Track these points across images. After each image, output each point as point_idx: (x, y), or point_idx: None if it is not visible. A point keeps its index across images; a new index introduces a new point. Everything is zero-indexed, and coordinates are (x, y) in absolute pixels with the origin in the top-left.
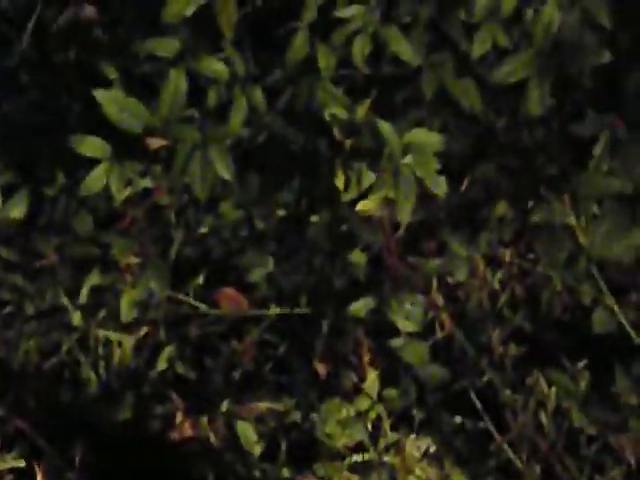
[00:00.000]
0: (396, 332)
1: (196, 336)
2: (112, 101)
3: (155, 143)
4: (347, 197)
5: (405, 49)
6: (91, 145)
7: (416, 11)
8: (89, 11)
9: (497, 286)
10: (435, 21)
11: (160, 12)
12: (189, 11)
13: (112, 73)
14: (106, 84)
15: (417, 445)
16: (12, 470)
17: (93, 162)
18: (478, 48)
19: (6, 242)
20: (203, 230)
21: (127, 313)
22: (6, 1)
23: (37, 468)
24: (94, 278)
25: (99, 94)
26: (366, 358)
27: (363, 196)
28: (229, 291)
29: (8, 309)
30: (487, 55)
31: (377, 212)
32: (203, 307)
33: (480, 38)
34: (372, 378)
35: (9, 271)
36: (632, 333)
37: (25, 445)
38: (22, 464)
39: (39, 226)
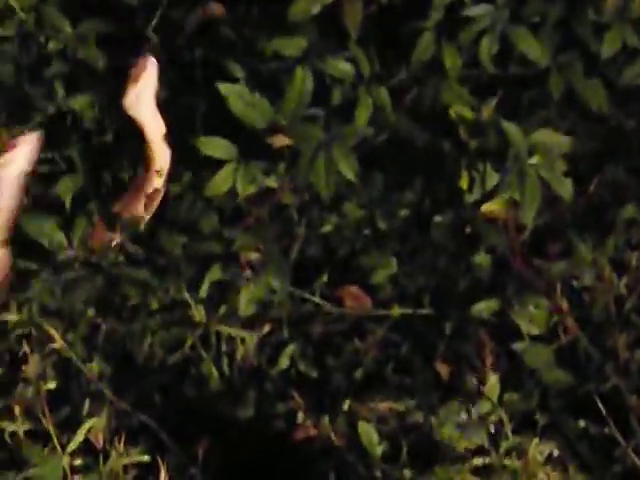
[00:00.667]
0: (519, 335)
1: (319, 334)
2: (237, 96)
3: (280, 141)
4: (471, 198)
5: (533, 49)
6: (217, 146)
7: (545, 11)
8: (216, 9)
9: (623, 290)
10: (564, 21)
11: (286, 11)
12: (315, 10)
13: (238, 71)
14: (232, 82)
15: (540, 449)
16: (136, 465)
17: (219, 160)
18: (607, 48)
19: (133, 238)
20: (326, 229)
21: (246, 308)
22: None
23: (161, 463)
24: (215, 273)
25: (225, 88)
26: (488, 361)
27: (487, 197)
28: (353, 290)
29: (133, 303)
30: (616, 56)
31: (502, 214)
32: (327, 305)
33: (610, 38)
34: (493, 381)
35: (135, 266)
36: None
37: (149, 440)
38: (146, 459)
39: (165, 223)
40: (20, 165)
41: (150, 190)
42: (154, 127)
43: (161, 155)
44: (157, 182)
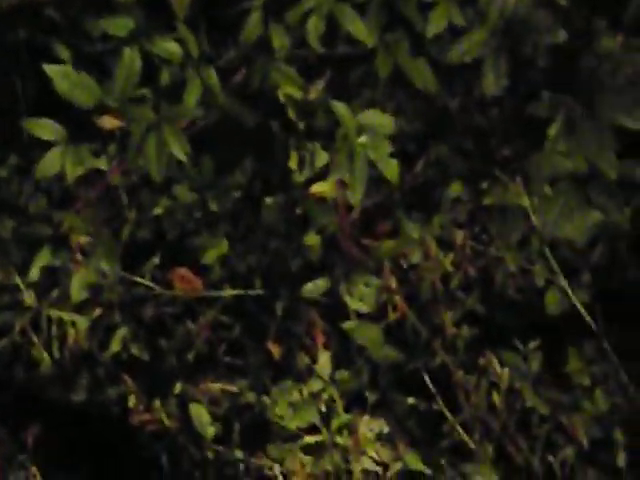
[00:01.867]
0: (349, 314)
1: (150, 317)
2: (63, 76)
3: (109, 123)
4: (301, 178)
5: (360, 29)
6: (45, 128)
7: None
8: None
9: (450, 268)
10: (390, 0)
11: None
12: None
13: (64, 52)
14: (59, 64)
15: (370, 426)
16: None
17: (47, 143)
18: (433, 27)
19: None
20: (157, 211)
21: (78, 293)
22: None
23: None
24: (45, 257)
25: (50, 69)
26: (319, 340)
27: (317, 177)
28: (183, 272)
29: None
30: (442, 34)
31: (331, 194)
32: (157, 288)
33: (435, 17)
34: (325, 360)
35: None
36: (584, 314)
37: None
38: None
39: None
40: None
41: None
42: None
43: None
44: None
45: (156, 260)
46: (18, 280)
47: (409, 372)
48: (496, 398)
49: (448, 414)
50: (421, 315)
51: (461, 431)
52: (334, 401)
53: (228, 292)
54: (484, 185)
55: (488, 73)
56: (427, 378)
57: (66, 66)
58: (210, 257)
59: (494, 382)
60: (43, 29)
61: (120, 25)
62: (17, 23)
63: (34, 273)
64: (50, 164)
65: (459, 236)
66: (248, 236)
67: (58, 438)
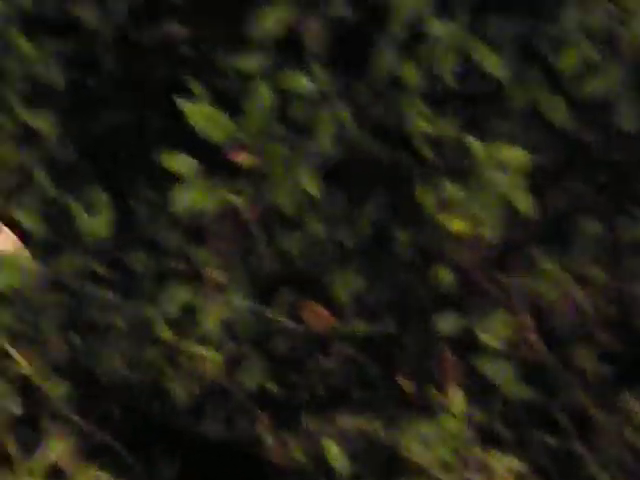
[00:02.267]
0: (483, 350)
1: (283, 352)
2: (197, 112)
3: (242, 158)
4: (434, 213)
5: (494, 63)
6: (180, 162)
7: (505, 26)
8: (177, 30)
9: (587, 305)
10: (524, 35)
11: (247, 29)
12: (276, 27)
13: (197, 88)
14: (193, 100)
15: (504, 464)
16: None
17: (182, 177)
18: (566, 63)
19: (96, 256)
20: (290, 246)
21: (213, 328)
22: (94, 16)
23: None
24: (181, 293)
25: (184, 104)
26: (452, 376)
27: (450, 212)
28: (315, 307)
29: (100, 323)
30: (576, 69)
31: (464, 229)
32: (290, 323)
33: (569, 53)
34: (457, 396)
35: (99, 284)
36: None
37: (114, 460)
38: (107, 478)
39: (128, 241)
40: None
41: None
42: None
43: None
44: None
45: (288, 295)
46: (155, 314)
47: (544, 410)
48: (634, 438)
49: (584, 453)
50: (556, 352)
51: (597, 470)
52: (466, 438)
53: (360, 327)
54: (620, 220)
55: (624, 108)
56: (562, 416)
57: (201, 102)
58: (342, 292)
59: (633, 422)
60: (178, 66)
61: (254, 61)
62: (154, 60)
63: (170, 308)
64: (185, 198)
65: (595, 272)
66: (380, 271)
67: (193, 471)
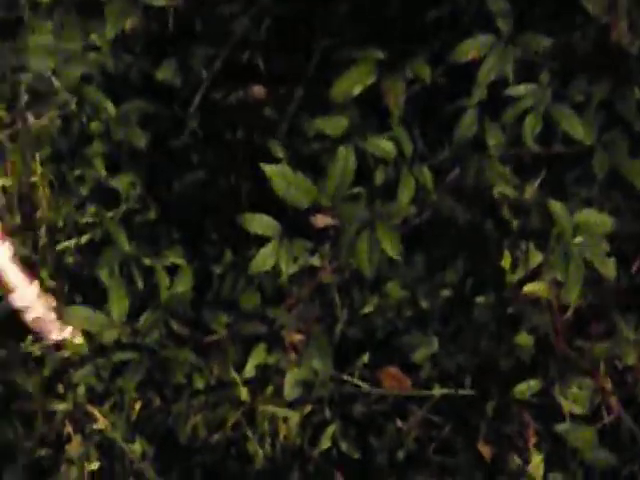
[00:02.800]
0: (562, 415)
1: (360, 415)
2: (280, 176)
3: (322, 221)
4: (514, 278)
5: (577, 128)
6: (261, 223)
7: (589, 89)
8: (258, 91)
9: None
10: (608, 99)
11: (328, 91)
12: (357, 90)
13: (280, 151)
14: (274, 162)
15: None
16: None
17: (261, 240)
18: None
19: (177, 317)
20: (367, 309)
21: (291, 391)
22: (178, 80)
23: None
24: (260, 355)
25: (268, 169)
26: (531, 441)
27: (530, 277)
28: (392, 370)
29: (178, 383)
30: None
31: (545, 293)
32: (367, 386)
33: None
34: (537, 461)
35: (180, 346)
36: None
37: None
38: None
39: (208, 302)
40: None
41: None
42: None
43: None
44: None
45: (366, 358)
46: (234, 376)
47: (625, 476)
48: None
49: None
50: (637, 418)
51: None
52: None
53: (438, 391)
54: None
55: None
56: None
57: (283, 166)
58: (420, 355)
59: None
60: (260, 128)
61: (335, 124)
62: (236, 122)
63: (249, 370)
64: (265, 260)
65: None
66: (458, 335)
67: None
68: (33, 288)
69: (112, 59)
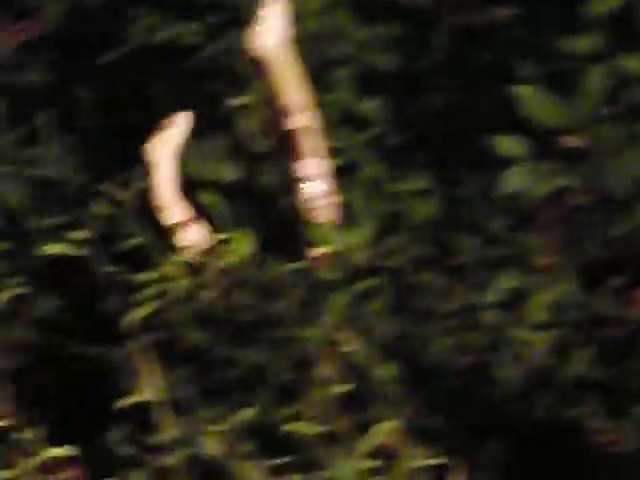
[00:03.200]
0: None
1: (612, 339)
2: (530, 97)
3: (573, 141)
4: None
5: None
6: (509, 144)
7: None
8: (505, 11)
9: None
10: None
11: (580, 9)
12: (609, 7)
13: (529, 72)
14: (524, 83)
15: None
16: (427, 468)
17: (507, 162)
18: None
19: (423, 241)
20: (619, 231)
21: (539, 313)
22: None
23: (454, 465)
24: (506, 277)
25: (517, 90)
26: None
27: None
28: None
29: (425, 307)
30: None
31: None
32: (620, 309)
33: None
34: None
35: (423, 268)
36: None
37: (439, 442)
38: (440, 460)
39: (455, 225)
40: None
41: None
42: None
43: (294, 91)
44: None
45: (619, 280)
46: (482, 299)
47: None
48: None
49: None
50: None
51: None
52: None
53: None
54: None
55: None
56: None
57: (534, 87)
58: None
59: None
60: (507, 49)
61: (587, 43)
62: (484, 43)
63: (497, 293)
64: (514, 181)
65: None
66: None
67: (517, 456)
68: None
69: None
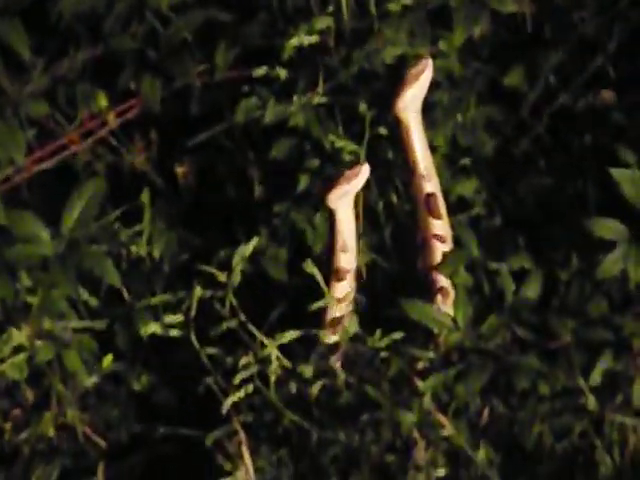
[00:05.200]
0: None
1: None
2: (630, 181)
3: None
4: None
5: None
6: (608, 227)
7: None
8: (607, 95)
9: None
10: None
11: None
12: None
13: (629, 156)
14: (623, 167)
15: None
16: None
17: (608, 245)
18: None
19: (522, 322)
20: None
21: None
22: (525, 85)
23: None
24: (607, 361)
25: (617, 173)
26: None
27: None
28: None
29: (523, 389)
30: None
31: None
32: None
33: None
34: None
35: (525, 351)
36: None
37: None
38: None
39: (554, 308)
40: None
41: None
42: (419, 131)
43: (424, 158)
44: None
45: None
46: (581, 383)
47: None
48: None
49: None
50: None
51: None
52: None
53: None
54: None
55: None
56: None
57: (633, 170)
58: None
59: None
60: (609, 133)
61: None
62: (583, 127)
63: (596, 376)
64: (613, 265)
65: None
66: None
67: None
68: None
69: (459, 65)
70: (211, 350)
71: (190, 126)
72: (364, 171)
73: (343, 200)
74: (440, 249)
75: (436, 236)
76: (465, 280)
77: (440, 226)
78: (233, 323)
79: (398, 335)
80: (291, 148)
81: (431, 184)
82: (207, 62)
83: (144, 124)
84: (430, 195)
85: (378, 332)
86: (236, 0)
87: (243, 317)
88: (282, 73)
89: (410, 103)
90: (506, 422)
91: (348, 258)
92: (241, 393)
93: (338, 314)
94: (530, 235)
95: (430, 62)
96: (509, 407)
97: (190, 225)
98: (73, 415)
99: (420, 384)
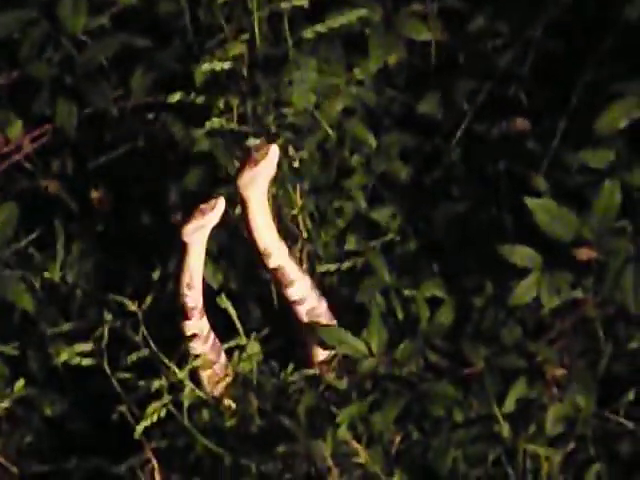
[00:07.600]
0: None
1: (626, 454)
2: (543, 209)
3: (585, 254)
4: None
5: None
6: (522, 254)
7: None
8: (521, 123)
9: None
10: None
11: (592, 124)
12: (623, 123)
13: (543, 184)
14: (537, 195)
15: None
16: None
17: (521, 272)
18: None
19: (436, 349)
20: (634, 345)
21: (553, 427)
22: (439, 113)
23: None
24: (520, 389)
25: (531, 202)
26: None
27: None
28: None
29: (436, 416)
30: None
31: None
32: (631, 425)
33: None
34: None
35: (439, 378)
36: None
37: None
38: None
39: (468, 334)
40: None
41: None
42: (260, 210)
43: (264, 237)
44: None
45: (631, 395)
46: (495, 410)
47: None
48: None
49: None
50: None
51: None
52: None
53: None
54: None
55: None
56: None
57: (546, 199)
58: None
59: None
60: (522, 161)
61: (600, 157)
62: (497, 155)
63: (509, 404)
64: (526, 292)
65: None
66: None
67: None
68: (307, 281)
69: (374, 93)
70: (124, 375)
71: (105, 152)
72: (219, 205)
73: (197, 234)
74: (302, 312)
75: (294, 302)
76: (379, 305)
77: (294, 292)
78: (145, 352)
79: (312, 372)
80: (202, 176)
81: (273, 259)
82: (123, 87)
83: (59, 149)
84: (275, 269)
85: (291, 366)
86: (152, 25)
87: (154, 346)
88: (198, 99)
89: (249, 184)
90: (420, 449)
91: (194, 295)
92: (153, 417)
93: (200, 351)
94: (444, 261)
95: (276, 149)
96: (424, 434)
97: (105, 251)
98: None
99: (337, 414)
